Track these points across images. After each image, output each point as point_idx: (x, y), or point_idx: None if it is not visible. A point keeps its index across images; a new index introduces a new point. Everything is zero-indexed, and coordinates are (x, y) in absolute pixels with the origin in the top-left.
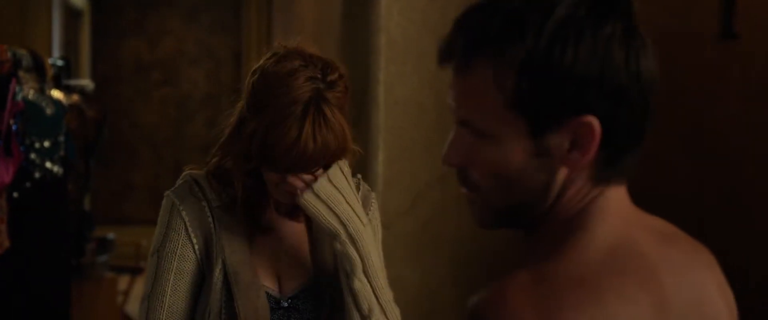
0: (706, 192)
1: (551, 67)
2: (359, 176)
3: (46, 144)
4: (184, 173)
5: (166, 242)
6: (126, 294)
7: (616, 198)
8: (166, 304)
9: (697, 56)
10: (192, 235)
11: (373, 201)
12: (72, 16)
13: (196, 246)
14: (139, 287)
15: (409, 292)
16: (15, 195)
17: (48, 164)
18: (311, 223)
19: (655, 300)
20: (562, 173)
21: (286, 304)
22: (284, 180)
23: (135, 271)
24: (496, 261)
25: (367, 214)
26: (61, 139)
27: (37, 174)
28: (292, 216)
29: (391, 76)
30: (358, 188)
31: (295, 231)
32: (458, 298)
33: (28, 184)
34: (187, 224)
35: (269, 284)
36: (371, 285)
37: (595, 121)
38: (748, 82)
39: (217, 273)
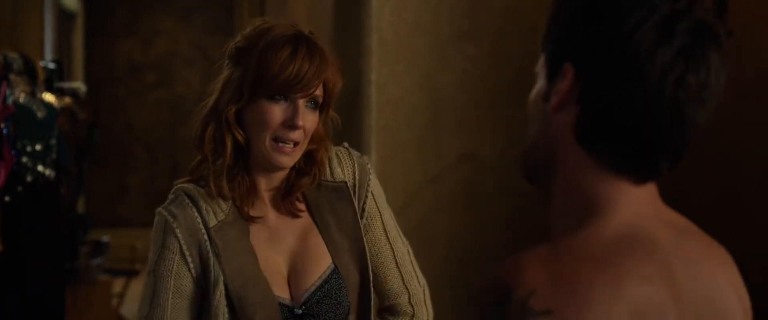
0: (702, 190)
1: (563, 6)
2: (346, 144)
3: (38, 147)
4: (174, 187)
5: (161, 261)
6: (121, 296)
7: (633, 194)
8: None
9: None
10: (187, 254)
11: (370, 167)
12: (65, 17)
13: (192, 266)
14: (135, 289)
15: None
16: (7, 199)
17: (40, 167)
18: (314, 212)
19: (669, 285)
20: (555, 128)
21: (300, 311)
22: (284, 118)
23: (130, 274)
24: (491, 260)
25: (368, 184)
26: (53, 142)
27: (29, 178)
28: (291, 208)
29: (383, 76)
30: (349, 159)
31: (297, 228)
32: (452, 298)
33: (20, 188)
34: (182, 243)
35: (281, 293)
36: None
37: (569, 67)
38: (742, 80)
39: (219, 296)
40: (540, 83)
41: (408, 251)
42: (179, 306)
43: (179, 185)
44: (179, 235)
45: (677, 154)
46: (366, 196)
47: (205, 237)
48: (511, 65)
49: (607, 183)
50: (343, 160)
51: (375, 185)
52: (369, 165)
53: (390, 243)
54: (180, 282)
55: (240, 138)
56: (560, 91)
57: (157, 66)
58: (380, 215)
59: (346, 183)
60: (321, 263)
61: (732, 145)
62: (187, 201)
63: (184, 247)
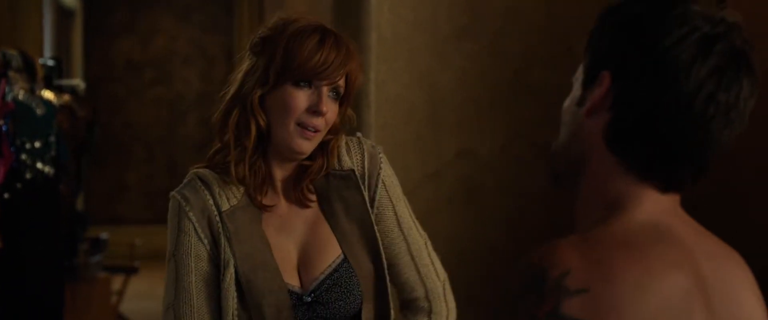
0: (699, 188)
1: (606, 19)
2: (359, 134)
3: (37, 144)
4: (190, 171)
5: (179, 245)
6: (120, 294)
7: (656, 198)
8: (195, 308)
9: None
10: (202, 235)
11: (382, 157)
12: (64, 15)
13: (208, 247)
14: (134, 287)
15: None
16: (6, 196)
17: (39, 165)
18: (323, 202)
19: (696, 276)
20: (587, 131)
21: (309, 299)
22: (309, 104)
23: (129, 271)
24: (490, 259)
25: (379, 173)
26: (52, 139)
27: (28, 175)
28: (301, 198)
29: (382, 73)
30: (359, 148)
31: (307, 218)
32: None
33: (19, 185)
34: (195, 225)
35: (290, 280)
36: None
37: (606, 75)
38: None
39: (229, 280)
40: (575, 90)
41: (425, 243)
42: (203, 288)
43: (194, 170)
44: (192, 217)
45: (700, 168)
46: (377, 185)
47: (217, 219)
48: (510, 63)
49: (633, 187)
50: (352, 149)
51: (387, 175)
52: (381, 155)
53: (404, 234)
54: (200, 264)
55: (262, 123)
56: (595, 96)
57: (155, 64)
58: (392, 205)
59: (353, 170)
60: (330, 252)
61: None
62: (200, 184)
63: (198, 229)
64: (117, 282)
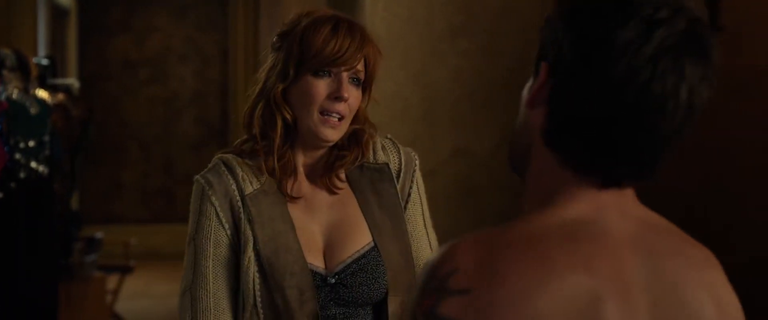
0: (692, 182)
1: (554, 10)
2: (389, 135)
3: (31, 144)
4: (215, 156)
5: (200, 229)
6: (115, 293)
7: (592, 195)
8: (211, 292)
9: None
10: (223, 220)
11: (415, 156)
12: (58, 14)
13: (229, 232)
14: (129, 286)
15: None
16: (0, 195)
17: (33, 164)
18: (356, 191)
19: (615, 274)
20: (530, 125)
21: (333, 281)
22: (330, 91)
23: (124, 270)
24: None
25: (414, 172)
26: (47, 138)
27: (22, 175)
28: (329, 185)
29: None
30: (394, 147)
31: (336, 203)
32: None
33: (13, 185)
34: (217, 209)
35: (314, 261)
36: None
37: (544, 66)
38: (734, 74)
39: (247, 262)
40: (529, 81)
41: (436, 238)
42: (220, 273)
43: (219, 154)
44: (214, 202)
45: (642, 164)
46: (412, 184)
47: (239, 203)
48: (505, 61)
49: (568, 183)
50: (387, 147)
51: (419, 175)
52: (414, 155)
53: (427, 230)
54: (219, 249)
55: (288, 116)
56: (533, 89)
57: (150, 62)
58: (421, 203)
59: (387, 164)
60: (359, 238)
61: (723, 137)
62: (224, 168)
63: (220, 213)
64: (112, 281)
